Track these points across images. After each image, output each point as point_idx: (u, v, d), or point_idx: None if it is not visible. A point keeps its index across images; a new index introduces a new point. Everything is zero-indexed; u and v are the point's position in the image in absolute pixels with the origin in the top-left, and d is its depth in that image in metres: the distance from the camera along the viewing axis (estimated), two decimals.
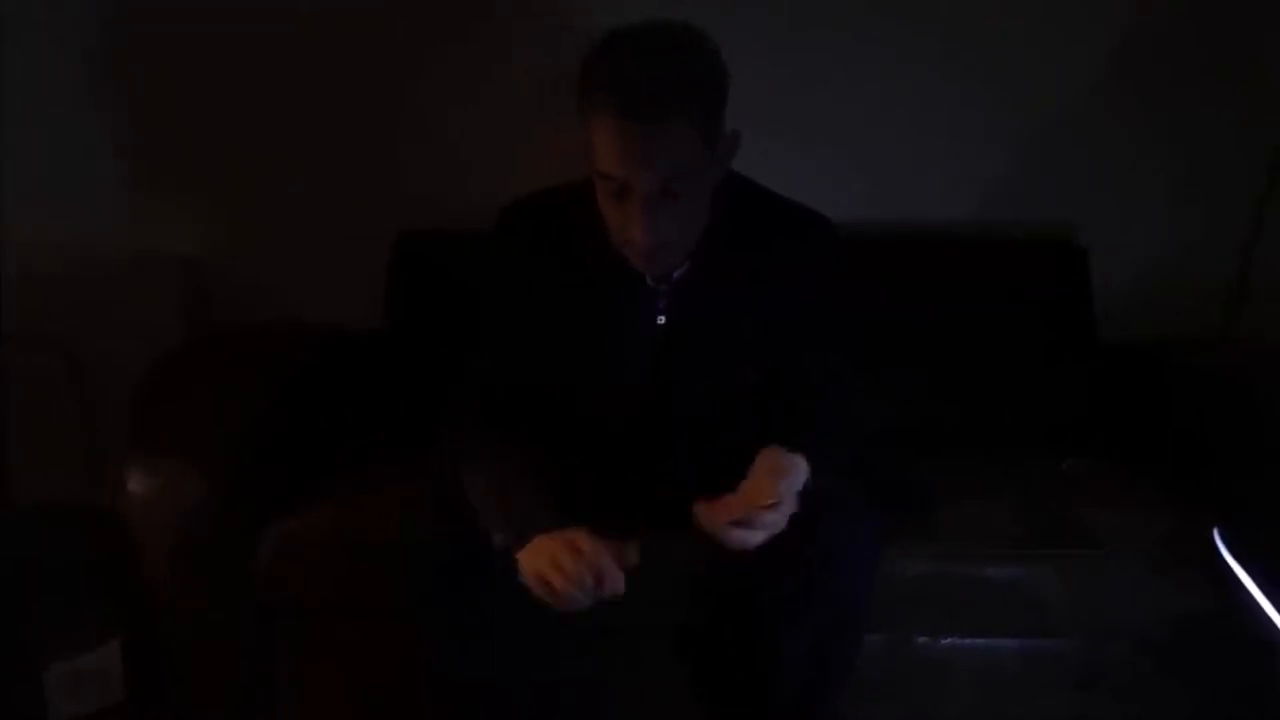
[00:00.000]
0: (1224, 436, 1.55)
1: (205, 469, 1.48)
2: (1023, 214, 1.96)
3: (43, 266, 1.92)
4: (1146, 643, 1.44)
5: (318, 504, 1.52)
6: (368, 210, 1.98)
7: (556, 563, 1.13)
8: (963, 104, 1.93)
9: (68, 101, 1.96)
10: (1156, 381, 1.79)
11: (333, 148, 1.99)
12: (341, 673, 1.50)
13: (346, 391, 1.79)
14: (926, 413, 1.75)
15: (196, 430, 1.51)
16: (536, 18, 1.90)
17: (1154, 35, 1.90)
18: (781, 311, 1.31)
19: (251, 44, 1.93)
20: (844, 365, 1.35)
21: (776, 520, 1.14)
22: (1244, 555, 0.95)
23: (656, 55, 1.17)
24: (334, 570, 1.47)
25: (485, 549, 1.20)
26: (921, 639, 1.43)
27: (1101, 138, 1.94)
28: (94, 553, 1.57)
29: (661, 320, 1.31)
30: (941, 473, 1.54)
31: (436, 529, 1.25)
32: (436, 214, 1.93)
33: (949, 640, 1.43)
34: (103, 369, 1.94)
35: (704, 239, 1.28)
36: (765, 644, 1.21)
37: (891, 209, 1.95)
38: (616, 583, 1.13)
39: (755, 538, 1.14)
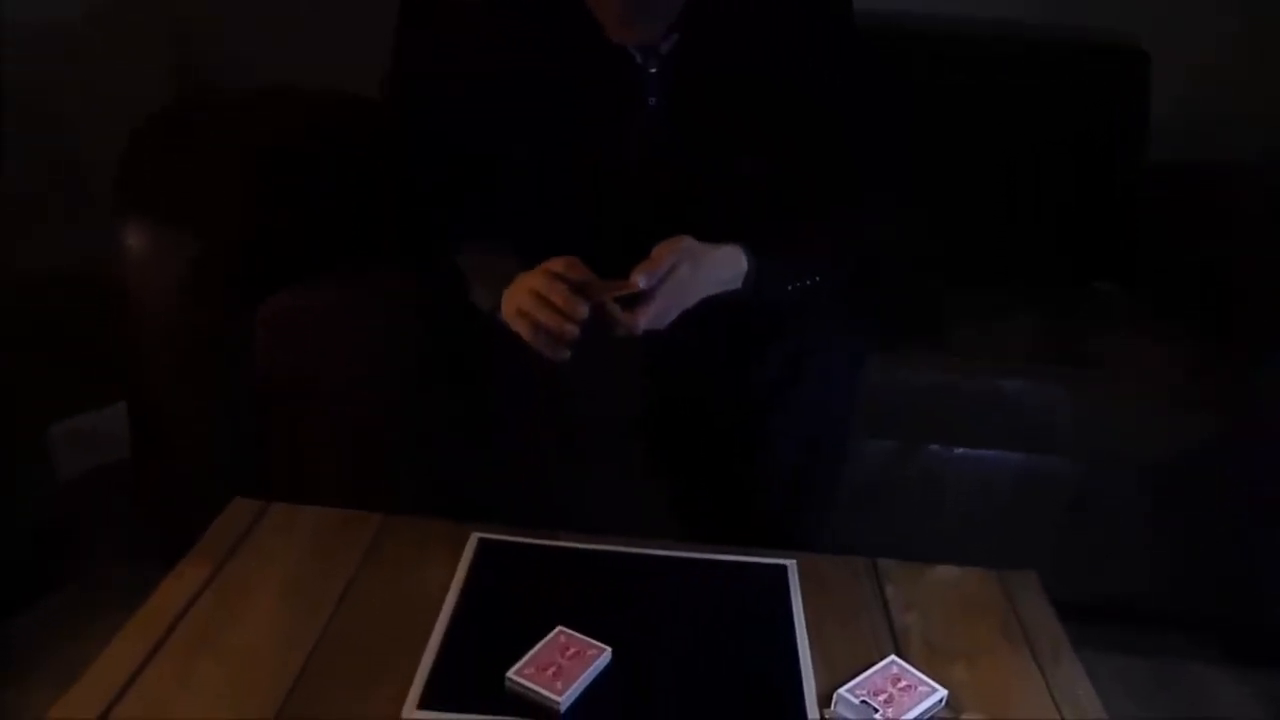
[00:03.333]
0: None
1: (196, 235, 1.42)
2: (1081, 19, 1.82)
3: (29, 25, 1.80)
4: (1147, 471, 1.44)
5: (312, 280, 1.47)
6: None
7: (533, 289, 1.07)
8: None
9: None
10: (1204, 207, 1.71)
11: None
12: (335, 450, 1.48)
13: (344, 162, 1.71)
14: (959, 222, 1.68)
15: (185, 195, 1.44)
16: None
17: None
18: (785, 89, 1.18)
19: None
20: (853, 168, 1.21)
21: (656, 311, 1.05)
22: None
23: None
24: (326, 348, 1.43)
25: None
26: (933, 447, 1.43)
27: None
28: (97, 317, 1.54)
29: (652, 101, 1.19)
30: (965, 286, 1.50)
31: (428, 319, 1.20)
32: None
33: (960, 451, 1.43)
34: (90, 132, 1.86)
35: (697, 3, 1.14)
36: (738, 458, 1.17)
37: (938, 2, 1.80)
38: (598, 291, 1.05)
39: (636, 323, 1.06)
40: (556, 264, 1.08)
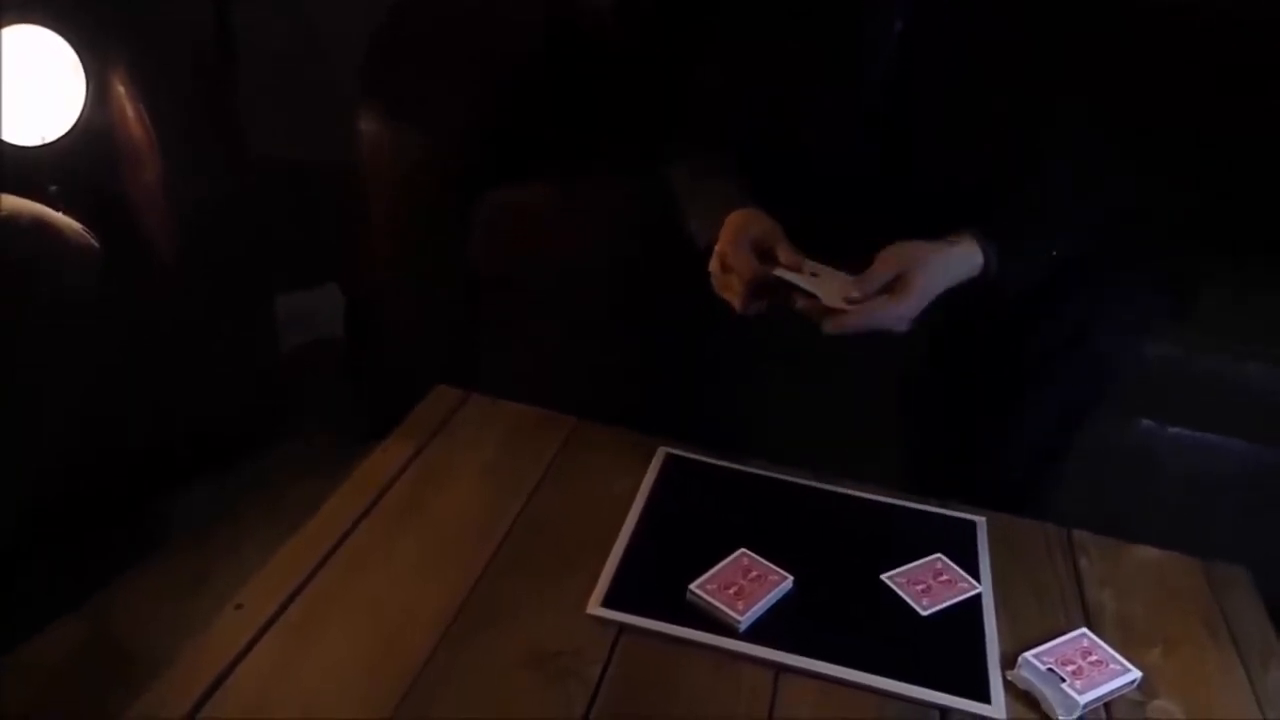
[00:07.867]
0: None
1: (426, 130, 1.47)
2: None
3: None
4: None
5: (524, 181, 1.49)
6: None
7: (726, 236, 1.05)
8: None
9: None
10: None
11: None
12: (538, 347, 1.53)
13: (573, 77, 1.73)
14: (1224, 184, 1.52)
15: (425, 91, 1.49)
16: None
17: None
18: (1045, 30, 1.09)
19: None
20: (1108, 120, 1.13)
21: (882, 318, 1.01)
22: None
23: None
24: (531, 249, 1.46)
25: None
26: (1146, 423, 1.34)
27: None
28: (324, 204, 1.63)
29: (899, 26, 1.11)
30: (1215, 256, 1.37)
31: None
32: None
33: (1176, 430, 1.34)
34: (331, 25, 1.93)
35: None
36: (987, 421, 1.13)
37: None
38: (789, 255, 1.03)
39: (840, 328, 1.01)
40: (733, 254, 1.04)
